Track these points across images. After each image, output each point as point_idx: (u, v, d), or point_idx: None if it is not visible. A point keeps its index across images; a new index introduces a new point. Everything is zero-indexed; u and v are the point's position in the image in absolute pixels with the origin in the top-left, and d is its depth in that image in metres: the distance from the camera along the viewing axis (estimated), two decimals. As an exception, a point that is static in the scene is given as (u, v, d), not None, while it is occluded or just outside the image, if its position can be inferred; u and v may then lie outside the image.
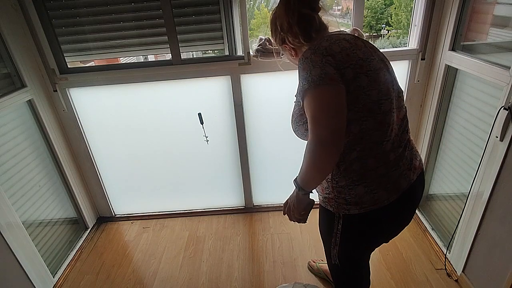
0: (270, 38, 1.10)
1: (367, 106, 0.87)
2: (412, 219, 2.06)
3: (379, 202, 0.93)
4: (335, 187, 0.96)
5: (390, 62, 0.98)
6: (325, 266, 1.73)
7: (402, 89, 0.99)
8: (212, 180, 2.24)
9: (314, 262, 1.79)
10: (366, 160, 0.91)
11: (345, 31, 1.04)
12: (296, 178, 0.94)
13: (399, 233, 1.07)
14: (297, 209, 0.97)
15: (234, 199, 2.30)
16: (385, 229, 1.04)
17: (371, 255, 1.21)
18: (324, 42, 0.89)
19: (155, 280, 1.81)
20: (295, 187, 0.95)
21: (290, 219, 1.03)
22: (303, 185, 0.91)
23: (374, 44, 1.02)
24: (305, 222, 1.01)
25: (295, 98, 0.98)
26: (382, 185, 0.92)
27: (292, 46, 1.01)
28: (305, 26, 0.96)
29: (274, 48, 1.49)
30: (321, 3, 0.99)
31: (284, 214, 1.03)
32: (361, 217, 0.95)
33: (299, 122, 0.96)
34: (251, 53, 1.77)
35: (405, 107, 1.01)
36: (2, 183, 1.54)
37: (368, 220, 0.96)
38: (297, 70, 0.91)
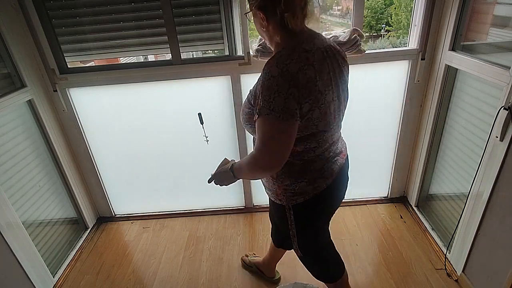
0: None
1: (313, 133, 0.99)
2: (412, 219, 2.07)
3: (320, 188, 1.08)
4: (280, 186, 1.09)
5: (348, 66, 1.09)
6: (257, 259, 1.78)
7: (349, 95, 1.12)
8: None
9: (246, 256, 1.84)
10: (307, 164, 1.06)
11: (327, 35, 1.06)
12: (234, 165, 1.09)
13: (338, 207, 1.26)
14: (225, 183, 1.16)
15: (234, 199, 2.30)
16: (328, 207, 1.21)
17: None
18: (294, 64, 0.88)
19: (155, 280, 1.81)
20: (230, 171, 1.09)
21: (214, 184, 1.20)
22: (238, 176, 1.09)
23: (340, 51, 1.04)
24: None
25: (248, 93, 1.03)
26: (320, 175, 1.08)
27: (267, 24, 0.95)
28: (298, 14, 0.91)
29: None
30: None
31: (209, 183, 1.20)
32: (307, 203, 1.10)
33: (247, 122, 1.04)
34: (251, 53, 1.77)
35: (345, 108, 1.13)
36: (2, 183, 1.54)
37: (313, 203, 1.11)
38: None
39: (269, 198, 1.22)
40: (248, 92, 1.02)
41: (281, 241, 1.55)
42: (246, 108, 1.03)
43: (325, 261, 1.36)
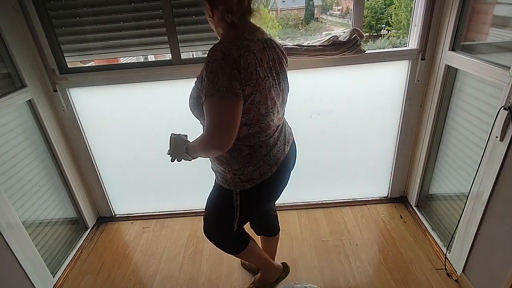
0: None
1: (256, 117, 1.06)
2: (412, 219, 2.07)
3: (265, 175, 1.16)
4: (230, 171, 1.16)
5: (287, 60, 1.18)
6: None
7: (289, 86, 1.21)
8: (212, 180, 2.23)
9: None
10: (253, 149, 1.12)
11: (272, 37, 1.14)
12: (188, 146, 1.18)
13: (281, 194, 1.32)
14: (183, 159, 1.25)
15: (234, 199, 2.30)
16: (272, 193, 1.27)
17: None
18: (235, 50, 0.97)
19: (155, 280, 1.81)
20: (186, 150, 1.18)
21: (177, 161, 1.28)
22: (191, 154, 1.17)
23: (280, 45, 1.15)
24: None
25: (196, 80, 1.09)
26: (266, 162, 1.15)
27: (212, 15, 1.04)
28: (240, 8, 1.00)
29: None
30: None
31: (172, 161, 1.28)
32: (253, 189, 1.17)
33: (195, 105, 1.11)
34: (251, 53, 1.77)
35: (286, 98, 1.22)
36: (2, 183, 1.55)
37: (259, 190, 1.18)
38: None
39: (214, 186, 1.31)
40: (196, 78, 1.09)
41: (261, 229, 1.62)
42: (194, 93, 1.09)
43: (235, 240, 1.41)
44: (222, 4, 0.99)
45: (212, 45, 1.00)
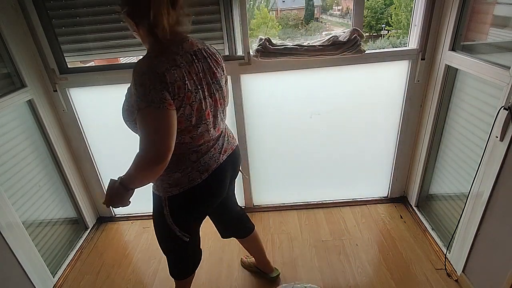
0: None
1: (187, 129, 1.06)
2: (412, 219, 2.07)
3: (194, 181, 1.13)
4: (157, 177, 1.11)
5: (223, 68, 1.17)
6: (252, 259, 1.80)
7: (226, 102, 1.22)
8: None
9: (245, 258, 1.86)
10: (182, 156, 1.11)
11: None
12: (122, 177, 1.07)
13: (217, 202, 1.29)
14: (121, 200, 1.14)
15: (234, 199, 2.30)
16: (204, 201, 1.23)
17: None
18: (161, 65, 0.95)
19: (155, 280, 1.81)
20: (119, 185, 1.08)
21: (111, 206, 1.17)
22: (129, 185, 1.08)
23: (213, 54, 1.12)
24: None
25: (127, 91, 1.05)
26: (195, 168, 1.13)
27: (137, 29, 1.03)
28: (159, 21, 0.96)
29: (273, 48, 1.50)
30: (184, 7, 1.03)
31: (107, 207, 1.17)
32: (181, 195, 1.14)
33: (128, 118, 1.08)
34: (251, 53, 1.77)
35: (225, 104, 1.22)
36: (2, 183, 1.55)
37: (188, 196, 1.15)
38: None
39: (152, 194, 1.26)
40: (126, 90, 1.06)
41: (228, 233, 1.63)
42: (125, 106, 1.07)
43: (187, 257, 1.39)
44: (154, 25, 0.95)
45: (139, 59, 0.99)
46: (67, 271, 1.90)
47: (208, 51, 1.11)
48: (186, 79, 0.99)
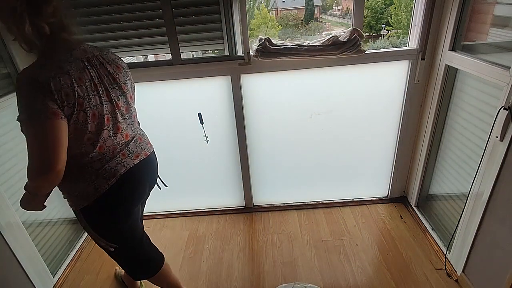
0: None
1: (86, 136, 1.04)
2: (412, 219, 2.06)
3: (101, 189, 1.10)
4: (65, 189, 1.13)
5: (126, 73, 1.17)
6: (122, 271, 1.78)
7: (133, 108, 1.21)
8: (212, 180, 2.24)
9: (119, 268, 1.84)
10: (84, 167, 1.09)
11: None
12: (26, 184, 1.05)
13: (137, 205, 1.27)
14: (29, 205, 1.12)
15: (234, 199, 2.30)
16: (118, 206, 1.20)
17: None
18: (44, 73, 0.93)
19: (155, 280, 1.81)
20: (24, 189, 1.06)
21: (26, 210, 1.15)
22: (32, 190, 1.05)
23: (114, 60, 1.14)
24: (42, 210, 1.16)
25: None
26: (100, 176, 1.10)
27: (22, 38, 0.99)
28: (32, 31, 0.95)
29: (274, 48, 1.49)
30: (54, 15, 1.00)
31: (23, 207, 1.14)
32: (93, 205, 1.12)
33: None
34: (251, 53, 1.77)
35: (135, 116, 1.24)
36: (2, 183, 1.54)
37: (100, 204, 1.13)
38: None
39: None
40: None
41: None
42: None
43: (135, 260, 1.37)
44: (30, 26, 0.94)
45: (23, 69, 0.97)
46: (67, 271, 1.90)
47: (106, 57, 1.12)
48: (76, 85, 0.97)
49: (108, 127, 1.10)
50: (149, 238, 1.42)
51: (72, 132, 1.00)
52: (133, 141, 1.21)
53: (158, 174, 1.41)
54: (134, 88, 1.27)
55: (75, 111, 0.98)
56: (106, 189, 1.11)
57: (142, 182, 1.26)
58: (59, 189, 1.15)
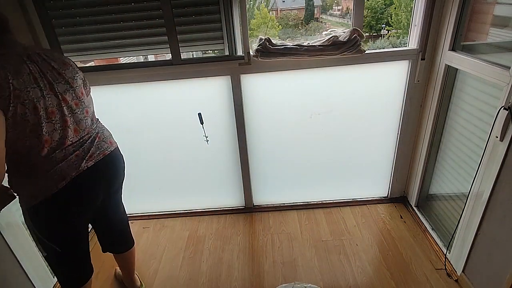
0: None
1: (28, 128, 1.03)
2: (412, 219, 2.06)
3: (49, 191, 1.10)
4: (14, 188, 1.14)
5: (72, 70, 1.19)
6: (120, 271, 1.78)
7: (85, 103, 1.21)
8: (212, 180, 2.24)
9: (118, 268, 1.83)
10: (34, 167, 1.09)
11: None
12: None
13: (85, 212, 1.26)
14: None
15: (234, 199, 2.30)
16: (65, 210, 1.19)
17: None
18: None
19: (155, 280, 1.81)
20: None
21: None
22: None
23: (59, 58, 1.17)
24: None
25: None
26: (49, 177, 1.10)
27: None
28: None
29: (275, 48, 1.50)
30: None
31: None
32: (40, 205, 1.12)
33: None
34: (251, 53, 1.77)
35: (90, 112, 1.24)
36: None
37: (47, 206, 1.13)
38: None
39: None
40: None
41: (106, 247, 1.58)
42: None
43: (66, 267, 1.34)
44: None
45: None
46: (67, 271, 1.89)
47: (50, 55, 1.15)
48: (11, 78, 0.99)
49: (54, 120, 1.10)
50: (88, 250, 1.41)
51: (12, 125, 1.00)
52: (89, 140, 1.22)
53: (123, 169, 1.40)
54: (89, 88, 1.31)
55: (11, 103, 0.98)
56: (55, 191, 1.11)
57: (95, 185, 1.25)
58: (9, 186, 1.16)
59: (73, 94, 1.17)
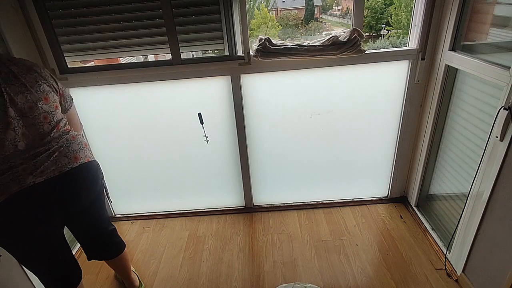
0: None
1: None
2: (412, 219, 2.06)
3: None
4: None
5: (35, 76, 1.17)
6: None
7: (43, 108, 1.16)
8: (212, 180, 2.24)
9: None
10: None
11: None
12: None
13: (34, 228, 1.17)
14: None
15: (234, 199, 2.31)
16: (9, 224, 1.13)
17: None
18: None
19: (155, 280, 1.81)
20: None
21: None
22: None
23: (28, 64, 1.18)
24: None
25: None
26: None
27: None
28: None
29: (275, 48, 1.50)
30: None
31: None
32: None
33: None
34: (251, 53, 1.77)
35: (52, 120, 1.18)
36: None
37: None
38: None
39: None
40: None
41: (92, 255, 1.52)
42: None
43: (42, 277, 1.33)
44: None
45: None
46: (67, 271, 1.90)
47: (12, 59, 1.17)
48: None
49: (3, 132, 1.06)
50: (68, 257, 1.37)
51: None
52: (46, 153, 1.15)
53: (93, 184, 1.30)
54: (70, 100, 1.32)
55: None
56: None
57: (43, 205, 1.17)
58: None
59: (28, 97, 1.12)
